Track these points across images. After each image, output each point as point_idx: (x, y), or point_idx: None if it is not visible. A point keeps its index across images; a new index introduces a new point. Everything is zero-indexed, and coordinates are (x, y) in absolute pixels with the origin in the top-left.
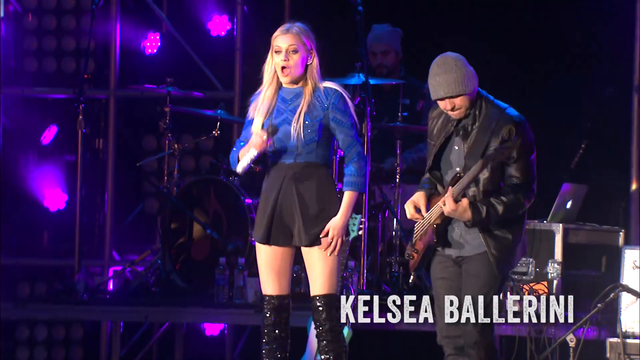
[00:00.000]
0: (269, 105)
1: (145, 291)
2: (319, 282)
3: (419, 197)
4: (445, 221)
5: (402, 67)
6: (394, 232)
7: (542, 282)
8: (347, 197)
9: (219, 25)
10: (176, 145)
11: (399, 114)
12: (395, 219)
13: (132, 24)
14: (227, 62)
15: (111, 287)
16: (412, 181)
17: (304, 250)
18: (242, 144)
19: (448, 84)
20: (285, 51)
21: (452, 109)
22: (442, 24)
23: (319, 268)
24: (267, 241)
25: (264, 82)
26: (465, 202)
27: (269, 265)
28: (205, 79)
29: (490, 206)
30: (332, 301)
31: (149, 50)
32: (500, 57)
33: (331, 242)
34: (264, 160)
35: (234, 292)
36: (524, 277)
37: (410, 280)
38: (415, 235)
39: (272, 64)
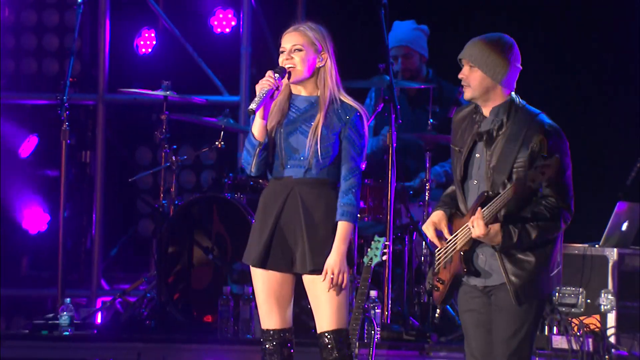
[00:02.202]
0: (281, 113)
1: (139, 325)
2: (326, 317)
3: (439, 217)
4: (474, 247)
5: (430, 69)
6: (422, 257)
7: (594, 316)
8: (343, 228)
9: (223, 21)
10: (174, 158)
11: (428, 122)
12: (424, 242)
13: (124, 20)
14: (232, 63)
15: (99, 320)
16: None
17: (306, 279)
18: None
19: (473, 47)
20: (288, 51)
21: (463, 82)
22: (484, 21)
23: (326, 300)
24: (263, 265)
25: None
26: (497, 226)
27: (269, 293)
28: (207, 82)
29: (523, 230)
30: (342, 337)
31: (143, 50)
32: (549, 65)
33: (334, 280)
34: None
35: (239, 325)
36: (573, 310)
37: (436, 315)
38: (437, 263)
39: None
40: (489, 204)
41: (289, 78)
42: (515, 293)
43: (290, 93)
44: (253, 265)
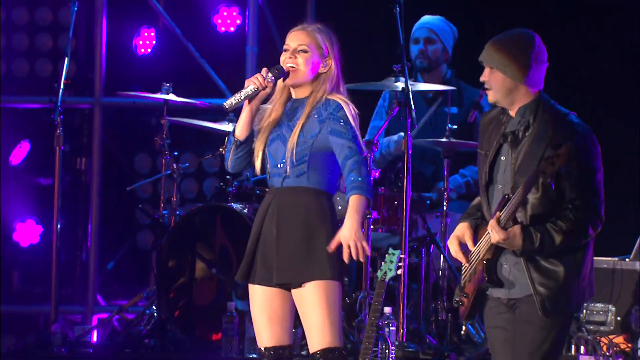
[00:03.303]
0: (274, 117)
1: (137, 344)
2: (316, 334)
3: (463, 230)
4: (497, 255)
5: (450, 70)
6: (440, 272)
7: (625, 334)
8: (354, 201)
9: (227, 19)
10: (175, 166)
11: (447, 126)
12: (442, 255)
13: (122, 18)
14: (237, 64)
15: (95, 339)
16: (462, 209)
17: (293, 293)
18: None
19: (491, 48)
20: (292, 49)
21: (485, 84)
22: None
23: (314, 315)
24: (246, 279)
25: (275, 92)
26: (516, 229)
27: (260, 310)
28: (210, 84)
29: (546, 233)
30: (335, 356)
31: (142, 50)
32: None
33: (353, 251)
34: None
35: (245, 344)
36: (602, 328)
37: (462, 332)
38: (463, 276)
39: None
40: (505, 207)
41: (285, 79)
42: (543, 305)
43: (290, 96)
44: (237, 280)
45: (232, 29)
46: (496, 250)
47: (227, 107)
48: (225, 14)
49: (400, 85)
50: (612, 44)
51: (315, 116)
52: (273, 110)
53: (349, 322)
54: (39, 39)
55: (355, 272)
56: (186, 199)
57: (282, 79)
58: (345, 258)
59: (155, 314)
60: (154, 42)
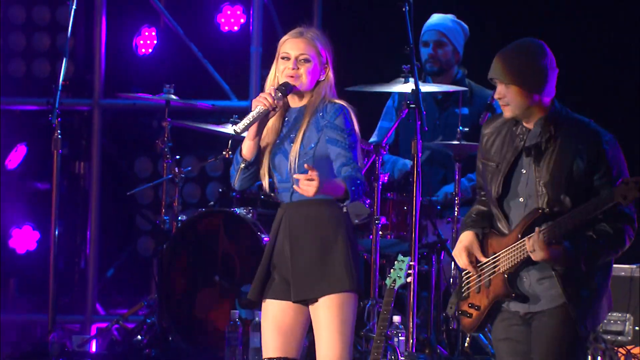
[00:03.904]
0: (275, 130)
1: (137, 354)
2: (326, 347)
3: (471, 241)
4: (519, 269)
5: (461, 70)
6: (451, 279)
7: None
8: (335, 181)
9: (231, 18)
10: (177, 170)
11: (458, 128)
12: (453, 262)
13: (122, 17)
14: (241, 65)
15: (94, 349)
16: None
17: (309, 309)
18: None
19: (503, 64)
20: (295, 59)
21: (500, 99)
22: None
23: (326, 328)
24: (260, 297)
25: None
26: (560, 248)
27: (273, 321)
28: (213, 85)
29: (590, 250)
30: None
31: (143, 50)
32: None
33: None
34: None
35: (249, 354)
36: (619, 338)
37: (466, 343)
38: (467, 287)
39: (276, 77)
40: (551, 224)
41: (289, 92)
42: (579, 319)
43: (287, 106)
44: (251, 299)
45: (236, 28)
46: (521, 264)
47: (238, 132)
48: (228, 12)
49: (409, 86)
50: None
51: (314, 125)
52: (272, 123)
53: (357, 331)
54: (36, 39)
55: (363, 279)
56: (188, 204)
57: (287, 95)
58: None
59: (156, 323)
60: (155, 41)
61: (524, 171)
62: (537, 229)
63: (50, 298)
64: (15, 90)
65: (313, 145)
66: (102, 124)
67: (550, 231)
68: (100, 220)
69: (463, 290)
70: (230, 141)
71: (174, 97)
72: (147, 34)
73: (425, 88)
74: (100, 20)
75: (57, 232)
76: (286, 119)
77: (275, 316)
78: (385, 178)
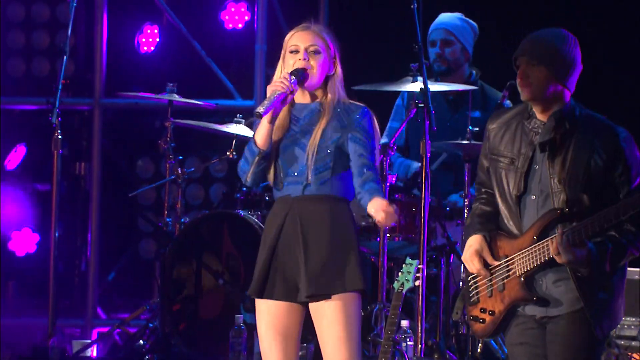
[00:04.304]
0: (283, 123)
1: (139, 359)
2: (332, 354)
3: (481, 244)
4: (535, 272)
5: (473, 71)
6: (461, 283)
7: None
8: (376, 193)
9: (235, 15)
10: (180, 171)
11: (468, 129)
12: (462, 266)
13: (123, 15)
14: (246, 63)
15: (95, 353)
16: None
17: (311, 308)
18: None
19: (535, 42)
20: (304, 50)
21: (521, 80)
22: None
23: (331, 333)
24: (261, 294)
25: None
26: (585, 251)
27: (269, 325)
28: (217, 84)
29: (614, 252)
30: None
31: (145, 48)
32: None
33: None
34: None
35: (253, 359)
36: (633, 344)
37: (478, 349)
38: (477, 292)
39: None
40: (576, 226)
41: (304, 83)
42: (597, 323)
43: (292, 101)
44: (251, 295)
45: (240, 25)
46: (537, 267)
47: (260, 113)
48: (233, 9)
49: (418, 85)
50: None
51: (336, 121)
52: (279, 119)
53: (364, 336)
54: (35, 37)
55: (370, 283)
56: (191, 205)
57: (302, 82)
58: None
59: (159, 328)
60: (157, 39)
61: (537, 167)
62: (559, 230)
63: (50, 302)
64: (15, 90)
65: (335, 140)
66: (103, 123)
67: (576, 233)
68: (101, 222)
69: (471, 295)
70: (234, 141)
71: (176, 96)
72: (149, 31)
73: (434, 87)
74: (101, 18)
75: (57, 234)
76: (294, 115)
77: (275, 319)
78: (393, 179)
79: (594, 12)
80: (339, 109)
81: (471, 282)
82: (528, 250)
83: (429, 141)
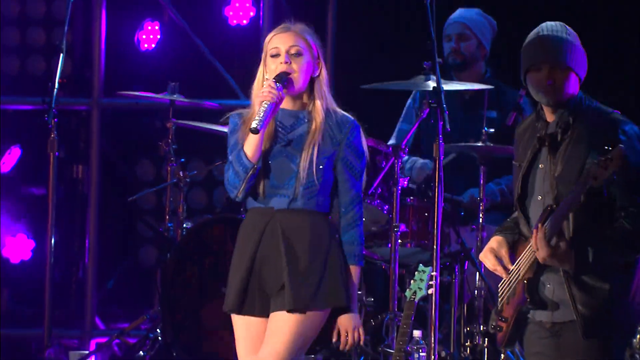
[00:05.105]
0: (270, 134)
1: None
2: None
3: (499, 244)
4: (539, 274)
5: (488, 69)
6: (476, 291)
7: None
8: (352, 273)
9: (240, 11)
10: (182, 174)
11: (483, 130)
12: (478, 273)
13: (123, 10)
14: (251, 61)
15: None
16: (500, 221)
17: (272, 315)
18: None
19: (553, 46)
20: (285, 53)
21: (549, 85)
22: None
23: (275, 342)
24: (239, 310)
25: (255, 104)
26: (565, 244)
27: (249, 342)
28: (221, 83)
29: (600, 248)
30: None
31: (146, 45)
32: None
33: (349, 340)
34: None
35: None
36: None
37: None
38: (500, 298)
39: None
40: (549, 220)
41: (288, 87)
42: (584, 327)
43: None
44: (229, 312)
45: (245, 21)
46: (538, 269)
47: (259, 129)
48: (237, 5)
49: (431, 84)
50: None
51: (328, 136)
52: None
53: (375, 347)
54: (31, 34)
55: (381, 291)
56: (194, 210)
57: (287, 88)
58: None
59: (160, 338)
60: (158, 36)
61: (542, 166)
62: (539, 225)
63: (46, 311)
64: (9, 89)
65: (329, 157)
66: (102, 124)
67: (551, 226)
68: (99, 227)
69: (499, 303)
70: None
71: (178, 96)
72: (150, 28)
73: (449, 86)
74: (100, 14)
75: (53, 241)
76: (280, 122)
77: (250, 334)
78: (405, 182)
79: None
80: (329, 121)
81: (499, 290)
82: (527, 250)
83: (443, 143)
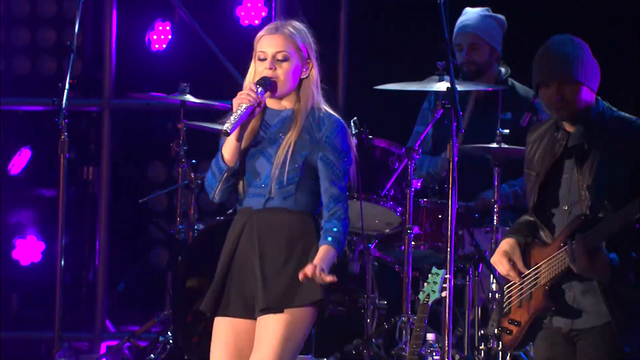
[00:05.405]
0: (252, 132)
1: None
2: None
3: (512, 248)
4: (561, 281)
5: (501, 70)
6: (490, 294)
7: None
8: (324, 251)
9: (252, 11)
10: (193, 175)
11: (497, 131)
12: (492, 275)
13: (134, 11)
14: None
15: None
16: (512, 221)
17: (258, 319)
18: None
19: (560, 62)
20: (271, 58)
21: (559, 101)
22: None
23: (266, 347)
24: (213, 311)
25: (234, 105)
26: (604, 258)
27: (223, 343)
28: (232, 84)
29: (634, 258)
30: None
31: (157, 46)
32: None
33: (312, 270)
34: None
35: None
36: None
37: None
38: (508, 301)
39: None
40: (591, 231)
41: (271, 91)
42: (622, 333)
43: (265, 107)
44: (204, 311)
45: (257, 22)
46: (563, 276)
47: (228, 132)
48: (249, 5)
49: (444, 84)
50: None
51: (307, 134)
52: (250, 125)
53: (388, 350)
54: (41, 34)
55: (394, 294)
56: (205, 212)
57: (270, 92)
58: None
59: (171, 341)
60: (169, 37)
61: (567, 176)
62: (577, 236)
63: (56, 314)
64: (19, 89)
65: (304, 155)
66: (113, 125)
67: (590, 238)
68: (110, 229)
69: (504, 306)
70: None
71: (189, 96)
72: (160, 28)
73: (462, 87)
74: (111, 14)
75: (63, 243)
76: (264, 121)
77: (230, 337)
78: (419, 184)
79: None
80: (311, 120)
81: (506, 292)
82: (552, 258)
83: (457, 144)
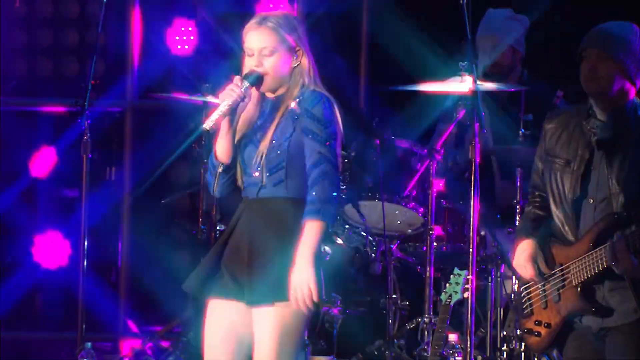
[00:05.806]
0: (249, 122)
1: None
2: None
3: (535, 250)
4: (592, 281)
5: (525, 70)
6: (512, 295)
7: None
8: (307, 231)
9: (274, 10)
10: None
11: (520, 132)
12: (514, 276)
13: (157, 11)
14: None
15: None
16: None
17: (253, 314)
18: None
19: (608, 36)
20: (257, 54)
21: (592, 74)
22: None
23: (266, 345)
24: (197, 290)
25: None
26: None
27: (214, 325)
28: None
29: None
30: None
31: (179, 47)
32: None
33: (303, 301)
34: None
35: None
36: None
37: None
38: (530, 303)
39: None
40: (636, 230)
41: (260, 84)
42: None
43: (262, 95)
44: (186, 290)
45: None
46: (596, 276)
47: (207, 129)
48: (271, 5)
49: (467, 85)
50: None
51: (289, 114)
52: (245, 115)
53: (410, 351)
54: (64, 35)
55: (417, 294)
56: (228, 212)
57: (257, 85)
58: (293, 304)
59: (192, 341)
60: (192, 38)
61: (594, 169)
62: (617, 236)
63: (79, 314)
64: (42, 90)
65: (288, 137)
66: (135, 126)
67: (633, 238)
68: (132, 229)
69: (524, 307)
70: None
71: (212, 97)
72: (183, 29)
73: (484, 87)
74: (134, 15)
75: (86, 244)
76: (262, 111)
77: (226, 318)
78: (441, 184)
79: None
80: (297, 102)
81: (524, 293)
82: (584, 258)
83: (479, 145)
